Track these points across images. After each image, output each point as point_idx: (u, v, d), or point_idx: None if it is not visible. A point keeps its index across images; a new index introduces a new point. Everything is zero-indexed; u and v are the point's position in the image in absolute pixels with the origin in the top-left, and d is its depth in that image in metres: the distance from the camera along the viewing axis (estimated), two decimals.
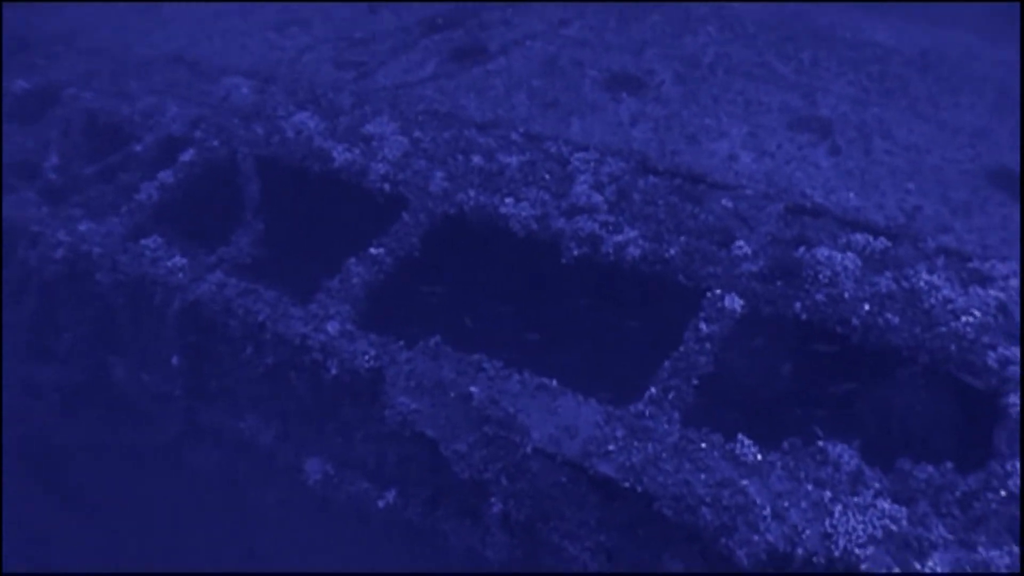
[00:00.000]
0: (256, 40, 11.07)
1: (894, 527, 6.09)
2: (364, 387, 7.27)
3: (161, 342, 8.27)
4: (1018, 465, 6.35)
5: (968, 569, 5.96)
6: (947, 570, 5.93)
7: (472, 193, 8.22)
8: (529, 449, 6.58)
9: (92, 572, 8.47)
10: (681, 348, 6.96)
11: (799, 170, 8.56)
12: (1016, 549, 6.07)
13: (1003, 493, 6.28)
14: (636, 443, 6.48)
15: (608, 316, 8.02)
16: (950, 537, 6.10)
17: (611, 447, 6.48)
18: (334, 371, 7.32)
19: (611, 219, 7.84)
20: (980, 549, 6.02)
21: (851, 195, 8.26)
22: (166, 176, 8.98)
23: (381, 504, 7.62)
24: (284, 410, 8.10)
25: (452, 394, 6.84)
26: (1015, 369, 6.84)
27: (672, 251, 7.58)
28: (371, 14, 11.18)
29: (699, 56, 10.15)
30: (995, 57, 10.57)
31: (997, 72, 10.23)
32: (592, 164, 8.39)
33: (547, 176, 8.35)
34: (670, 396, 6.74)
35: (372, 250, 7.90)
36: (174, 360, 8.29)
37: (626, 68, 9.89)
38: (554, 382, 6.89)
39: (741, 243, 7.60)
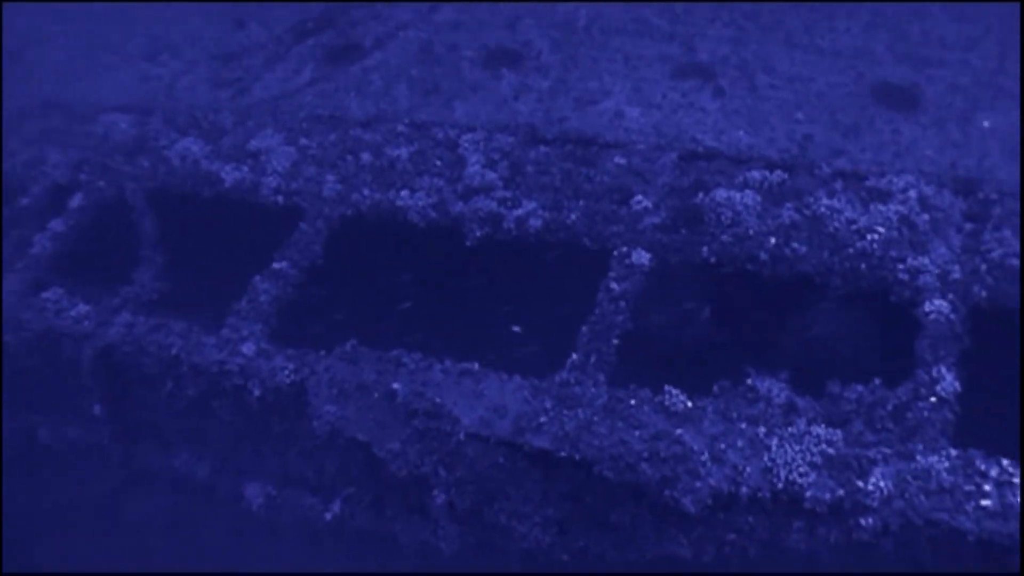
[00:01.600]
0: (128, 73, 10.87)
1: (832, 451, 6.15)
2: (289, 402, 7.19)
3: (80, 393, 8.10)
4: (944, 369, 6.43)
5: (910, 479, 6.03)
6: (890, 484, 5.99)
7: (366, 192, 8.15)
8: (462, 436, 6.55)
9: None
10: (596, 310, 6.96)
11: (687, 117, 8.58)
12: (954, 451, 6.15)
13: (933, 399, 6.36)
14: (566, 412, 6.47)
15: (518, 290, 8.00)
16: (888, 451, 6.16)
17: (542, 419, 6.47)
18: (257, 392, 7.22)
19: (508, 195, 7.81)
20: (919, 457, 6.10)
21: (741, 134, 8.30)
22: (57, 225, 8.80)
23: (328, 516, 7.53)
24: (215, 440, 7.98)
25: (376, 394, 6.78)
26: (926, 278, 6.91)
27: (573, 216, 7.57)
28: (240, 30, 11.02)
29: (573, 20, 10.11)
30: None
31: None
32: (481, 143, 8.36)
33: (438, 162, 8.30)
34: (592, 360, 6.73)
35: (275, 265, 7.80)
36: (96, 409, 8.13)
37: (503, 43, 9.84)
38: (476, 365, 6.85)
39: (640, 198, 7.60)
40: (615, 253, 7.28)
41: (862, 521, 5.99)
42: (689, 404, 6.42)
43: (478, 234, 7.66)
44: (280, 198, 8.36)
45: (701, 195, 7.51)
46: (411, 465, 6.68)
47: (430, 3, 10.76)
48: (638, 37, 9.71)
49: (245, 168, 8.65)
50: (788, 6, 10.07)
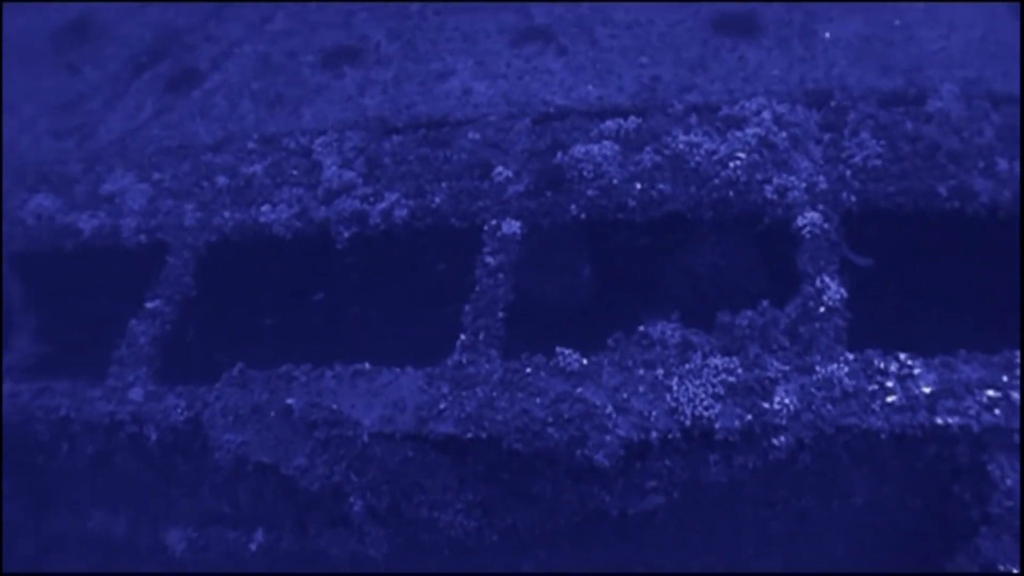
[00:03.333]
0: None
1: (732, 378, 6.18)
2: (189, 440, 7.04)
3: None
4: (827, 279, 6.49)
5: (813, 391, 6.08)
6: (795, 400, 6.04)
7: (228, 214, 8.00)
8: (365, 438, 6.46)
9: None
10: (476, 287, 6.91)
11: (534, 81, 8.55)
12: (851, 355, 6.21)
13: (822, 310, 6.42)
14: (464, 393, 6.42)
15: (396, 282, 7.95)
16: (787, 368, 6.21)
17: (442, 406, 6.41)
18: (154, 436, 7.07)
19: (369, 190, 7.73)
20: (818, 368, 6.16)
21: (590, 87, 8.29)
22: None
23: (253, 547, 7.40)
24: (125, 493, 7.79)
25: (272, 413, 6.67)
26: (795, 194, 6.96)
27: (437, 199, 7.51)
28: (74, 75, 10.76)
29: (406, 7, 10.03)
30: None
31: None
32: (334, 145, 8.24)
33: (295, 172, 8.17)
34: (482, 336, 6.68)
35: (149, 304, 7.63)
36: None
37: (339, 42, 9.72)
38: (366, 365, 6.77)
39: (500, 169, 7.56)
40: (485, 228, 7.24)
41: (775, 441, 6.04)
42: (584, 361, 6.41)
43: (346, 235, 7.56)
44: (143, 237, 8.17)
45: (560, 155, 7.48)
46: (322, 477, 6.58)
47: (262, 15, 10.61)
48: (473, 12, 9.65)
49: (102, 214, 8.43)
50: None
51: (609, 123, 7.65)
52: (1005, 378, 6.12)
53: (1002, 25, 8.49)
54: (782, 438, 6.02)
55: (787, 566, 7.73)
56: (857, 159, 7.14)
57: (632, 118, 7.67)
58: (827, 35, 8.57)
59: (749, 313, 6.49)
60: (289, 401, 6.64)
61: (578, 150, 7.40)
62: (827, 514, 7.09)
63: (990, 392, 6.09)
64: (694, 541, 7.31)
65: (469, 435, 6.29)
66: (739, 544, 7.39)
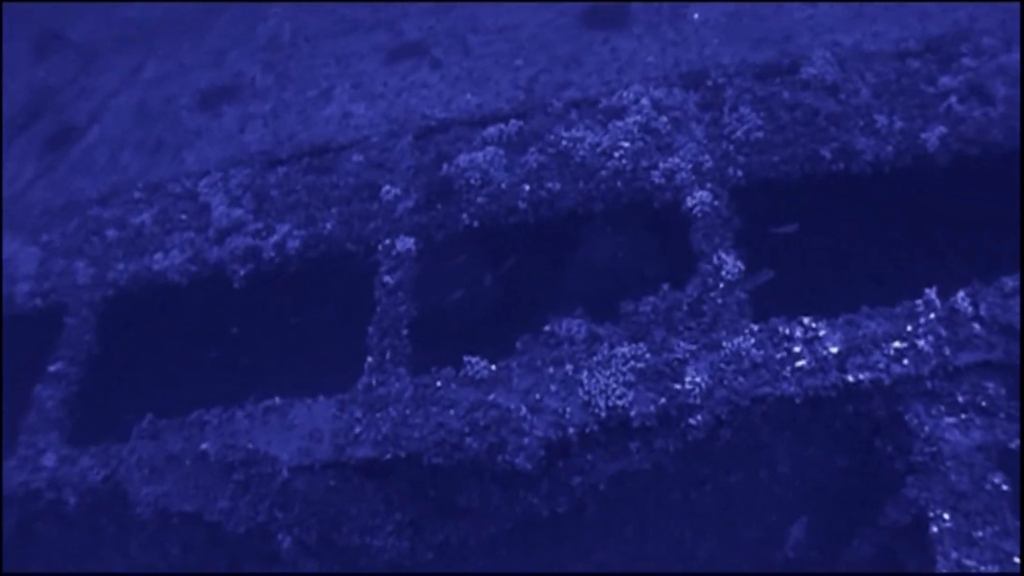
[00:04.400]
0: None
1: (641, 364, 6.19)
2: (109, 499, 6.92)
3: None
4: (723, 255, 6.54)
5: (723, 366, 6.12)
6: (706, 377, 6.07)
7: (121, 266, 7.90)
8: (285, 473, 6.39)
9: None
10: (378, 308, 6.88)
11: (412, 97, 8.55)
12: (755, 326, 6.26)
13: (721, 285, 6.47)
14: (378, 415, 6.39)
15: (297, 313, 7.90)
16: (694, 347, 6.25)
17: (358, 430, 6.37)
18: (73, 499, 6.94)
19: (260, 225, 7.66)
20: (725, 343, 6.20)
21: (468, 96, 8.31)
22: None
23: None
24: (53, 562, 7.64)
25: (188, 461, 6.57)
26: (682, 175, 7.01)
27: (329, 226, 7.46)
28: None
29: (277, 38, 9.97)
30: None
31: None
32: (220, 184, 8.16)
33: (183, 216, 8.09)
34: (388, 356, 6.65)
35: (52, 368, 7.50)
36: None
37: (214, 82, 9.66)
38: (277, 399, 6.71)
39: (388, 188, 7.54)
40: (379, 248, 7.20)
41: (692, 421, 6.06)
42: (493, 368, 6.39)
43: (242, 273, 7.48)
44: (38, 301, 8.04)
45: (446, 166, 7.48)
46: (247, 519, 6.51)
47: (133, 63, 10.50)
48: (344, 35, 9.63)
49: None
50: None
51: (491, 129, 7.66)
52: (909, 328, 6.21)
53: None
54: (699, 417, 6.05)
55: (724, 544, 7.79)
56: (739, 134, 7.21)
57: (513, 121, 7.69)
58: (696, 16, 8.66)
59: (651, 299, 6.52)
60: (204, 446, 6.56)
61: (463, 159, 7.40)
62: (755, 486, 7.14)
63: (896, 344, 6.18)
64: (628, 531, 7.34)
65: (388, 456, 6.26)
66: (673, 528, 7.43)
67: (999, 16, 8.08)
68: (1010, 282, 6.34)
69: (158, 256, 7.80)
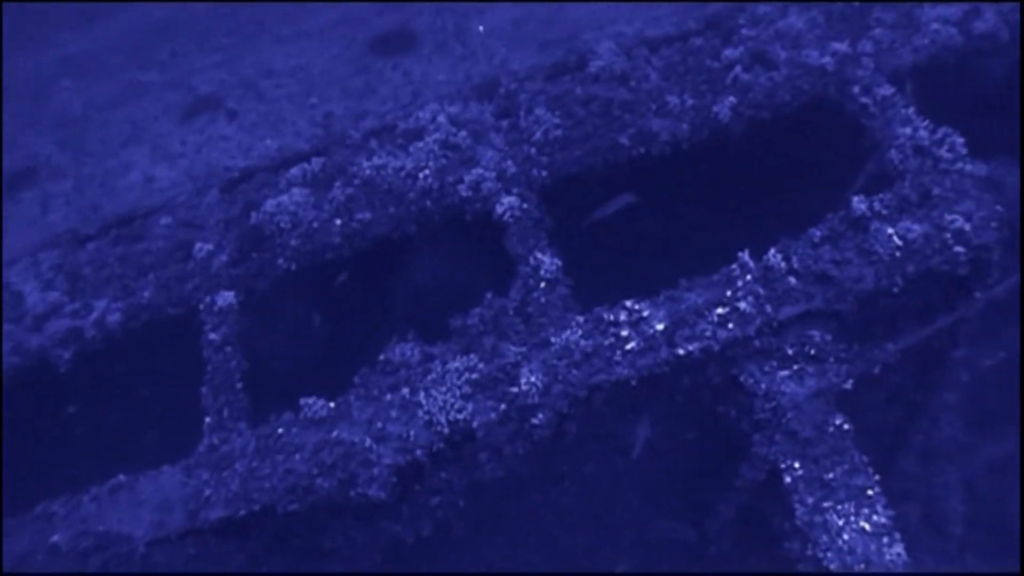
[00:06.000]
0: None
1: (475, 375, 6.26)
2: None
3: None
4: (540, 255, 6.63)
5: (555, 362, 6.21)
6: (540, 376, 6.15)
7: None
8: (142, 549, 6.28)
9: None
10: (208, 367, 6.81)
11: (212, 151, 8.48)
12: (580, 318, 6.37)
13: (542, 284, 6.58)
14: (225, 473, 6.32)
15: (128, 389, 7.76)
16: (524, 348, 6.33)
17: (208, 492, 6.29)
18: None
19: (77, 305, 7.50)
20: (554, 340, 6.32)
21: (267, 142, 8.27)
22: None
23: None
24: None
25: (40, 556, 6.41)
26: (488, 184, 7.10)
27: (147, 293, 7.35)
28: None
29: (68, 113, 9.78)
30: None
31: None
32: (30, 270, 7.96)
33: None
34: (226, 413, 6.58)
35: None
36: None
37: (10, 167, 9.38)
38: (121, 476, 6.59)
39: (200, 245, 7.45)
40: (201, 307, 7.12)
41: (535, 420, 6.13)
42: (331, 405, 6.38)
43: (67, 356, 7.31)
44: None
45: (254, 215, 7.42)
46: None
47: None
48: (136, 99, 9.50)
49: None
50: (250, 6, 10.06)
51: (294, 170, 7.63)
52: (728, 292, 6.41)
53: None
54: (540, 415, 6.13)
55: (598, 535, 7.90)
56: (538, 135, 7.32)
57: (315, 159, 7.68)
58: (481, 28, 8.77)
59: (477, 310, 6.58)
60: (54, 539, 6.39)
61: (270, 204, 7.35)
62: (612, 472, 7.27)
63: (719, 310, 6.36)
64: (499, 541, 7.40)
65: (243, 512, 6.19)
66: (543, 529, 7.50)
67: None
68: (818, 232, 6.58)
69: None
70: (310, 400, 6.38)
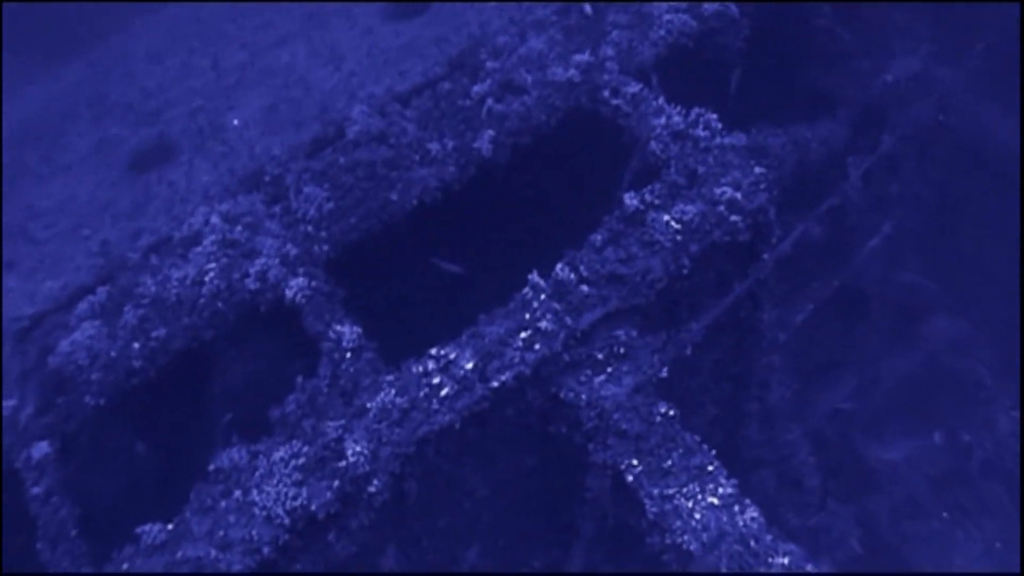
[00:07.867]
0: None
1: (302, 459, 6.28)
2: None
3: None
4: (339, 327, 6.68)
5: (376, 426, 6.27)
6: (365, 443, 6.18)
7: None
8: None
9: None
10: (39, 522, 6.64)
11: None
12: (390, 376, 6.43)
13: (348, 355, 6.65)
14: None
15: None
16: (343, 421, 6.37)
17: None
18: None
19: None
20: (370, 405, 6.39)
21: (49, 283, 8.09)
22: None
23: None
24: None
25: None
26: (275, 272, 7.13)
27: None
28: None
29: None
30: None
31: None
32: None
33: None
34: (66, 564, 6.44)
35: None
36: None
37: None
38: None
39: (5, 402, 7.25)
40: (17, 464, 6.95)
41: (371, 488, 6.16)
42: (169, 527, 6.28)
43: None
44: None
45: (51, 359, 7.24)
46: None
47: None
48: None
49: None
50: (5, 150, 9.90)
51: (82, 305, 7.51)
52: (527, 315, 6.56)
53: (381, 36, 9.06)
54: (376, 482, 6.16)
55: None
56: (312, 212, 7.40)
57: (100, 289, 7.57)
58: (236, 123, 8.82)
59: (292, 395, 6.59)
60: None
61: (64, 345, 7.23)
62: (464, 516, 7.32)
63: (522, 335, 6.50)
64: None
65: None
66: None
67: (506, 15, 8.61)
68: (599, 237, 6.80)
69: None
70: (146, 527, 6.29)
